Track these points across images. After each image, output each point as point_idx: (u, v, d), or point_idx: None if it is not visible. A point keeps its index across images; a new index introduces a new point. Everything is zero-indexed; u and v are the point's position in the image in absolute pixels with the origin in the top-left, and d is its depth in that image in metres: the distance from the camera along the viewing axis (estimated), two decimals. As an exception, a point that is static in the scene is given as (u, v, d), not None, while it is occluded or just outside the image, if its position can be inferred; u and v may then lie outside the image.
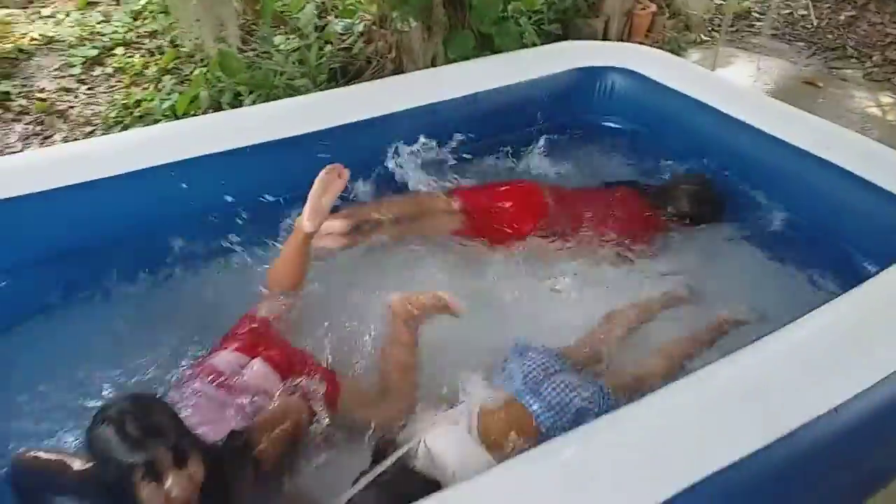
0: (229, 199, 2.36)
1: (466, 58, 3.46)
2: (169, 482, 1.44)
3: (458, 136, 2.77)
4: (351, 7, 4.20)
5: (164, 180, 2.30)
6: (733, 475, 1.39)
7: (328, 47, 3.96)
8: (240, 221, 2.37)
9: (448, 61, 3.63)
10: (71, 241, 2.20)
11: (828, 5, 5.69)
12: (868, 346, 1.70)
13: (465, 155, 2.78)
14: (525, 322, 2.18)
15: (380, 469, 1.49)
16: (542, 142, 2.98)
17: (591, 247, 2.49)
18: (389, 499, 1.47)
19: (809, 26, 5.38)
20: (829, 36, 5.22)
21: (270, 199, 2.41)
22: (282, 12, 4.34)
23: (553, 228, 2.50)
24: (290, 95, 3.43)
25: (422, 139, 2.63)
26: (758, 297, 2.32)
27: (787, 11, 5.56)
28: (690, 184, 2.65)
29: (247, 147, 2.41)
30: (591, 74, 3.08)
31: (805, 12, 5.54)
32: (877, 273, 1.99)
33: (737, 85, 3.74)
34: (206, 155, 2.36)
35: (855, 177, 2.34)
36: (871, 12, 5.55)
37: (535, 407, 1.73)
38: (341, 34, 4.10)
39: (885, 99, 4.34)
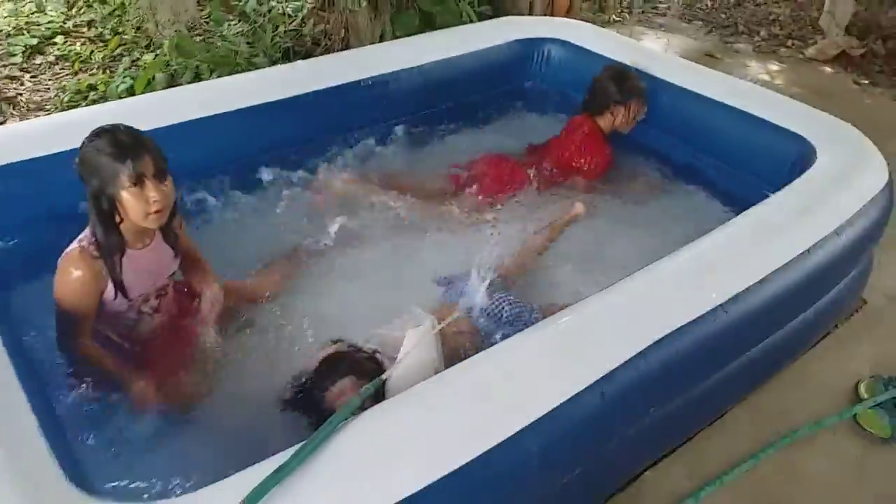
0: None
1: (411, 35, 3.80)
2: (151, 189, 1.72)
3: (413, 104, 3.15)
4: (299, -10, 4.47)
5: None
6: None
7: (280, 28, 4.20)
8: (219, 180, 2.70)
9: (394, 38, 3.95)
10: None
11: (719, -11, 6.37)
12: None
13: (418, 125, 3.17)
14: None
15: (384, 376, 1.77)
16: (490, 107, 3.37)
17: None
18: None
19: (705, 8, 6.02)
20: (723, 16, 5.87)
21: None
22: (227, -2, 4.55)
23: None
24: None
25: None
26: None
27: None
28: (603, 74, 3.04)
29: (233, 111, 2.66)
30: (530, 45, 3.49)
31: (700, -5, 6.19)
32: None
33: (655, 50, 4.24)
34: (206, 117, 2.60)
35: (754, 117, 2.83)
36: (756, -6, 6.26)
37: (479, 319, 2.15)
38: (290, 16, 4.34)
39: (773, 67, 4.98)
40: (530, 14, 4.89)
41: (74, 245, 1.83)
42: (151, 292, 2.01)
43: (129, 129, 1.76)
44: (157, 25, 3.80)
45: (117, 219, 1.79)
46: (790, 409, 2.35)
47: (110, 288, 1.88)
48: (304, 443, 1.42)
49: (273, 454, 1.41)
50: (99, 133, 1.73)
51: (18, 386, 1.58)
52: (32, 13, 5.09)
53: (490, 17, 4.74)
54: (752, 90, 3.04)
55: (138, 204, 1.73)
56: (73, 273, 1.80)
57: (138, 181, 1.71)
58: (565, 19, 4.03)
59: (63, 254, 1.84)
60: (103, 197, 1.74)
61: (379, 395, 1.72)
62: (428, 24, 3.95)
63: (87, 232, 1.84)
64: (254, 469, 1.37)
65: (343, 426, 1.47)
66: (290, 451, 1.40)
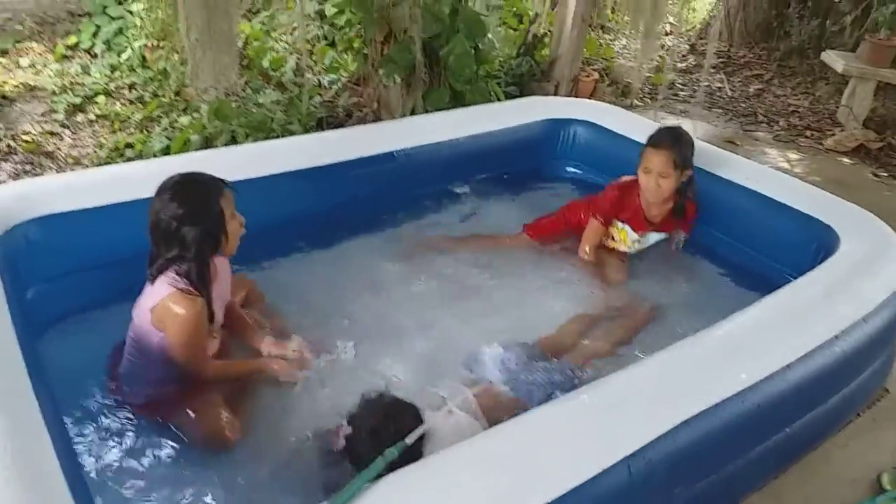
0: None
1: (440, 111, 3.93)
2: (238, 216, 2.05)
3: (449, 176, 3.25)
4: (335, 65, 4.65)
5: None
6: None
7: (316, 98, 4.36)
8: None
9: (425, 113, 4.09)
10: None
11: (739, 80, 6.55)
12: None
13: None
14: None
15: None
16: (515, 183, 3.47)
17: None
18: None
19: (725, 97, 6.18)
20: (742, 105, 6.02)
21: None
22: (266, 68, 4.74)
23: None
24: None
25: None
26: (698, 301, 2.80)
27: (706, 84, 6.37)
28: None
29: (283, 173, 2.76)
30: (557, 125, 3.60)
31: (721, 85, 6.37)
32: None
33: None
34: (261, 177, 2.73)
35: (777, 202, 2.88)
36: (775, 86, 6.43)
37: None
38: (325, 87, 4.52)
39: (792, 156, 5.07)
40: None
41: (168, 290, 1.93)
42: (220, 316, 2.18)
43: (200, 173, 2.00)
44: (196, 91, 3.97)
45: (221, 249, 2.01)
46: (811, 498, 2.29)
47: None
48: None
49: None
50: (192, 179, 1.98)
51: (46, 433, 1.59)
52: (78, 74, 5.31)
53: (517, 97, 4.92)
54: (774, 176, 3.11)
55: (238, 229, 2.03)
56: (185, 313, 1.93)
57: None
58: (592, 101, 4.16)
59: (159, 301, 1.93)
60: (213, 231, 1.96)
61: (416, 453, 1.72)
62: (458, 101, 4.09)
63: (170, 276, 1.94)
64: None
65: (363, 491, 1.47)
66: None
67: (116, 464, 1.93)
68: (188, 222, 1.93)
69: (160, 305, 1.94)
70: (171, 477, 1.92)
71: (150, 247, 2.01)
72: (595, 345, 2.52)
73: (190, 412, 2.02)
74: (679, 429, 1.73)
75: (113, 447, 1.97)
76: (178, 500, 1.85)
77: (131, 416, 2.05)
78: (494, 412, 2.03)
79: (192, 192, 1.96)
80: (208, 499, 1.87)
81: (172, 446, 1.99)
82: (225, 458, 1.99)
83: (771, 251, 2.92)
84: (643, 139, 3.32)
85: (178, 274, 1.95)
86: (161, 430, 2.03)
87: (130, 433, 2.01)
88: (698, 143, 3.44)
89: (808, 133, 5.50)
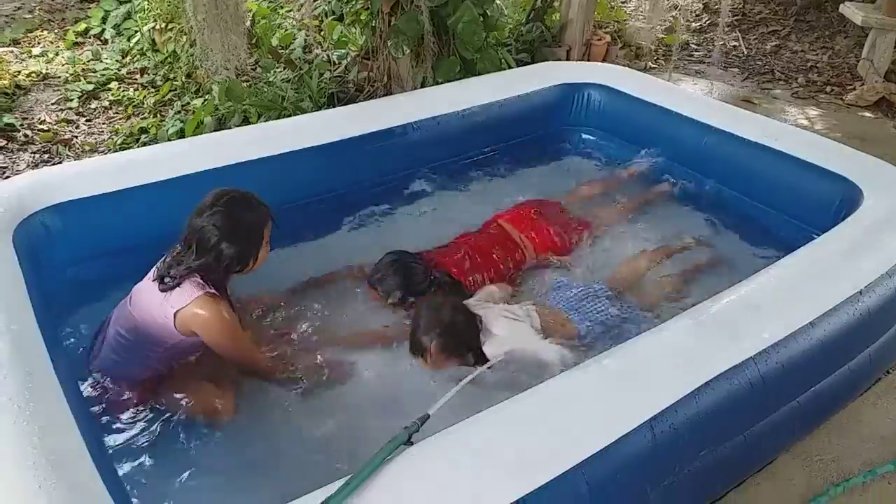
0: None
1: (451, 81, 3.89)
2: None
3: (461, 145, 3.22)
4: (344, 39, 4.61)
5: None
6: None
7: (326, 74, 4.32)
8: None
9: (435, 85, 4.04)
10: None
11: (755, 37, 6.40)
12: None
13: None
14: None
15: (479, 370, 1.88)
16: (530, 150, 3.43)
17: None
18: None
19: (741, 55, 6.05)
20: (759, 63, 5.89)
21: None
22: (275, 46, 4.71)
23: None
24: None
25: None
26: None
27: (721, 43, 6.23)
28: None
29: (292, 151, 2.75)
30: (571, 90, 3.55)
31: (736, 43, 6.23)
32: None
33: (695, 94, 4.27)
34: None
35: (797, 159, 2.83)
36: (792, 42, 6.28)
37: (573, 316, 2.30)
38: (335, 63, 4.48)
39: (812, 112, 4.97)
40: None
41: (198, 294, 1.97)
42: None
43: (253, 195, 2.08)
44: (207, 72, 3.95)
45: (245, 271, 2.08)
46: (842, 457, 2.28)
47: None
48: (350, 476, 1.42)
49: (317, 488, 1.42)
50: (248, 201, 2.03)
51: (69, 413, 1.61)
52: (89, 61, 5.32)
53: (528, 64, 4.85)
54: (794, 132, 3.05)
55: (265, 257, 2.10)
56: (222, 312, 1.98)
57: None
58: (606, 64, 4.09)
59: (187, 305, 1.96)
60: (249, 254, 2.03)
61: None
62: (468, 71, 4.03)
63: (196, 280, 1.98)
64: (301, 501, 1.38)
65: (391, 459, 1.48)
66: (337, 484, 1.40)
67: (121, 443, 1.98)
68: (231, 239, 1.97)
69: (192, 310, 1.95)
70: (166, 452, 1.97)
71: (171, 248, 2.04)
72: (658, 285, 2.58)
73: (182, 393, 2.06)
74: (702, 390, 1.72)
75: (120, 427, 2.02)
76: (171, 475, 1.90)
77: (127, 398, 2.07)
78: (552, 332, 2.21)
79: (244, 213, 2.01)
80: (200, 473, 1.92)
81: (167, 422, 2.03)
82: (217, 434, 2.03)
83: (793, 210, 2.87)
84: (659, 102, 3.30)
85: (204, 281, 1.98)
86: (155, 409, 2.07)
87: (128, 414, 2.04)
88: (715, 102, 3.40)
89: (827, 89, 5.37)
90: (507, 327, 2.14)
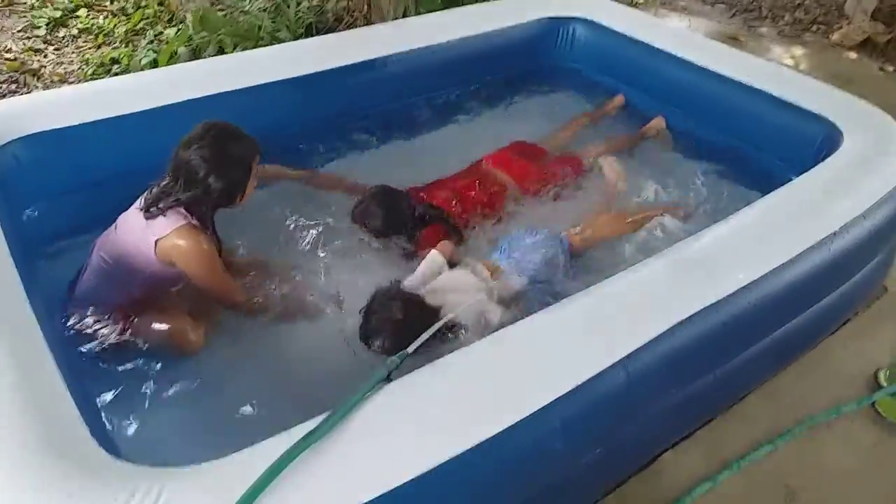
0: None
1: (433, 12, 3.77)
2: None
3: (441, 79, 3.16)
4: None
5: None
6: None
7: (304, 3, 4.19)
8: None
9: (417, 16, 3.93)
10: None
11: (744, -28, 6.28)
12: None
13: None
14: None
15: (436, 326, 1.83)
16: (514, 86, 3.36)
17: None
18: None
19: (729, -10, 5.94)
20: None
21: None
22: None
23: None
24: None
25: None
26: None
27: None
28: None
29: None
30: (555, 24, 3.47)
31: (725, -22, 6.10)
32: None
33: (680, 30, 4.19)
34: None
35: (777, 98, 2.81)
36: (781, -22, 6.16)
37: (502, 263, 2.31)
38: (313, -8, 4.35)
39: (797, 51, 4.92)
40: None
41: (180, 223, 1.95)
42: None
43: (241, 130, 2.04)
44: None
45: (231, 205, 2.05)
46: (808, 396, 2.35)
47: None
48: (331, 411, 1.44)
49: (301, 422, 1.43)
50: (235, 134, 1.99)
51: (48, 352, 1.61)
52: (56, -15, 5.10)
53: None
54: (777, 72, 3.02)
55: (252, 192, 2.08)
56: (201, 244, 1.97)
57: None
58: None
59: (168, 234, 1.94)
60: (236, 188, 2.01)
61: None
62: (451, 2, 3.93)
63: (181, 212, 1.96)
64: (282, 436, 1.40)
65: (371, 395, 1.50)
66: (319, 419, 1.42)
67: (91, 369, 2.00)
68: (219, 173, 1.94)
69: (172, 239, 1.94)
70: (139, 380, 2.00)
71: (157, 179, 2.01)
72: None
73: (157, 321, 2.07)
74: (675, 329, 1.75)
75: (95, 351, 2.03)
76: (143, 402, 1.94)
77: (104, 324, 2.07)
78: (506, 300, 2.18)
79: (233, 146, 1.98)
80: (173, 401, 1.96)
81: (140, 350, 2.06)
82: (190, 362, 2.07)
83: (774, 149, 2.86)
84: (645, 37, 3.23)
85: (189, 212, 1.96)
86: (130, 336, 2.07)
87: (102, 338, 2.04)
88: (700, 40, 3.34)
89: (813, 28, 5.32)
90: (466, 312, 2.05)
